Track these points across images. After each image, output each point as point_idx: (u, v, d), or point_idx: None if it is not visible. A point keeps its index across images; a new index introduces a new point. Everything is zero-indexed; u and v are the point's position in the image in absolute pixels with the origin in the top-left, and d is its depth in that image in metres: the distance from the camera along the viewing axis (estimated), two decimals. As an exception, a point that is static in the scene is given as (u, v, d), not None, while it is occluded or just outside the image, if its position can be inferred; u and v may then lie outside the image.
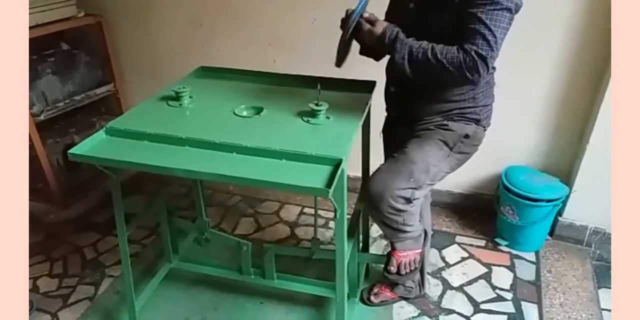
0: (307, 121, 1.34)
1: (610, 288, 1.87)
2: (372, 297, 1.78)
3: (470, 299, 1.83)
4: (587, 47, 1.86)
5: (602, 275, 1.95)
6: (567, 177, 2.10)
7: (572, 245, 2.13)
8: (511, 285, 1.90)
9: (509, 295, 1.85)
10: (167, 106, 1.43)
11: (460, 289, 1.88)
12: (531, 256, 2.07)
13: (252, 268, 1.68)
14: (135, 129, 1.28)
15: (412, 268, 1.48)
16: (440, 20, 1.25)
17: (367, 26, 1.27)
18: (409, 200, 1.32)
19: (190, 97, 1.46)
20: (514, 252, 2.09)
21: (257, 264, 1.67)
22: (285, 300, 1.79)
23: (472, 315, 1.75)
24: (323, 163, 1.15)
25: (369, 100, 1.49)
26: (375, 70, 1.53)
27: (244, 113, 1.40)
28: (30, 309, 1.77)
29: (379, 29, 1.26)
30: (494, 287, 1.89)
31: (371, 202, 1.33)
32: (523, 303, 1.81)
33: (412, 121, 1.44)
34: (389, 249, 1.50)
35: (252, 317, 1.74)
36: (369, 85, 1.57)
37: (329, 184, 1.06)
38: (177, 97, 1.43)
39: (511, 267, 2.00)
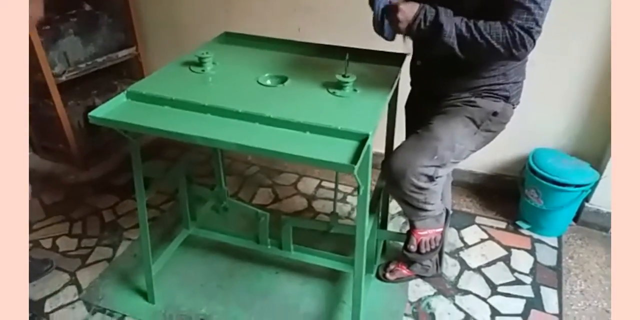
0: (333, 93, 1.28)
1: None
2: (387, 274, 1.76)
3: (488, 280, 1.81)
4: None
5: (626, 264, 1.90)
6: (598, 162, 2.02)
7: (597, 232, 2.07)
8: (531, 269, 1.87)
9: (528, 280, 1.82)
10: (189, 71, 1.39)
11: (478, 270, 1.85)
12: (553, 241, 2.02)
13: (269, 238, 1.67)
14: (156, 93, 1.24)
15: (432, 247, 1.45)
16: None
17: (394, 14, 1.15)
18: (431, 178, 1.27)
19: (213, 63, 1.41)
20: (535, 236, 2.04)
21: (274, 235, 1.66)
22: (300, 271, 1.79)
23: (489, 297, 1.73)
24: (349, 137, 1.10)
25: (398, 73, 1.43)
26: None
27: (268, 82, 1.35)
28: (50, 267, 1.80)
29: (409, 12, 1.15)
30: (512, 270, 1.86)
31: (392, 180, 1.29)
32: (542, 288, 1.78)
33: (438, 97, 1.37)
34: (409, 228, 1.47)
35: (267, 286, 1.75)
36: (399, 58, 1.50)
37: (355, 160, 1.01)
38: (199, 63, 1.39)
39: (532, 251, 1.96)
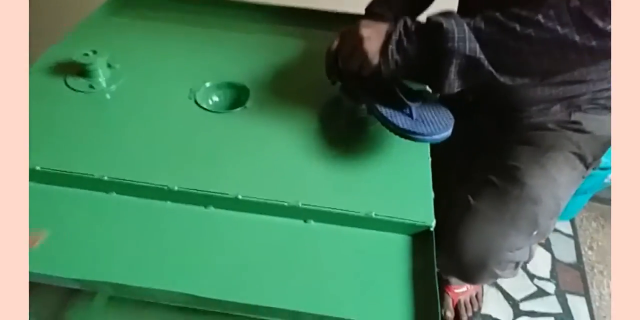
0: (348, 126, 0.75)
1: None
2: None
3: (507, 296, 1.48)
4: None
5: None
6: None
7: (609, 207, 1.79)
8: (551, 271, 1.56)
9: (551, 288, 1.51)
10: (67, 90, 0.76)
11: (493, 283, 1.52)
12: (567, 227, 1.72)
13: None
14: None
15: (475, 309, 1.05)
16: None
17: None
18: (519, 266, 0.82)
19: (108, 66, 0.79)
20: (546, 222, 1.72)
21: None
22: None
23: (513, 322, 1.42)
24: (390, 229, 0.61)
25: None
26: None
27: (212, 100, 0.78)
28: None
29: (373, 41, 0.62)
30: (532, 276, 1.54)
31: (463, 272, 0.82)
32: (569, 297, 1.49)
33: (504, 109, 0.85)
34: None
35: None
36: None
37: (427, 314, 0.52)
38: (83, 71, 0.76)
39: (547, 245, 1.64)
